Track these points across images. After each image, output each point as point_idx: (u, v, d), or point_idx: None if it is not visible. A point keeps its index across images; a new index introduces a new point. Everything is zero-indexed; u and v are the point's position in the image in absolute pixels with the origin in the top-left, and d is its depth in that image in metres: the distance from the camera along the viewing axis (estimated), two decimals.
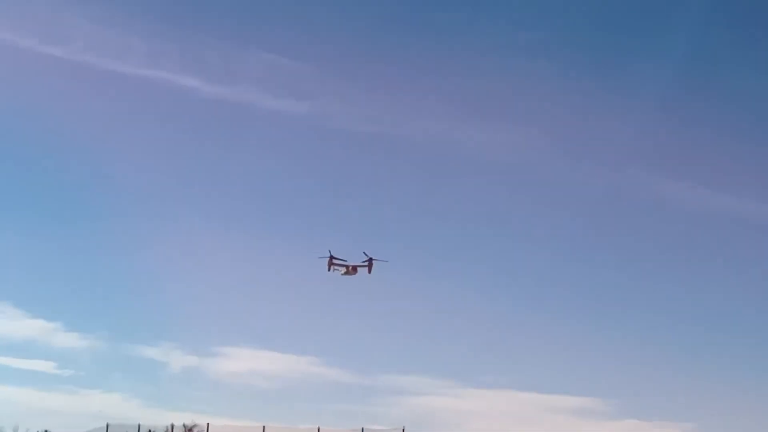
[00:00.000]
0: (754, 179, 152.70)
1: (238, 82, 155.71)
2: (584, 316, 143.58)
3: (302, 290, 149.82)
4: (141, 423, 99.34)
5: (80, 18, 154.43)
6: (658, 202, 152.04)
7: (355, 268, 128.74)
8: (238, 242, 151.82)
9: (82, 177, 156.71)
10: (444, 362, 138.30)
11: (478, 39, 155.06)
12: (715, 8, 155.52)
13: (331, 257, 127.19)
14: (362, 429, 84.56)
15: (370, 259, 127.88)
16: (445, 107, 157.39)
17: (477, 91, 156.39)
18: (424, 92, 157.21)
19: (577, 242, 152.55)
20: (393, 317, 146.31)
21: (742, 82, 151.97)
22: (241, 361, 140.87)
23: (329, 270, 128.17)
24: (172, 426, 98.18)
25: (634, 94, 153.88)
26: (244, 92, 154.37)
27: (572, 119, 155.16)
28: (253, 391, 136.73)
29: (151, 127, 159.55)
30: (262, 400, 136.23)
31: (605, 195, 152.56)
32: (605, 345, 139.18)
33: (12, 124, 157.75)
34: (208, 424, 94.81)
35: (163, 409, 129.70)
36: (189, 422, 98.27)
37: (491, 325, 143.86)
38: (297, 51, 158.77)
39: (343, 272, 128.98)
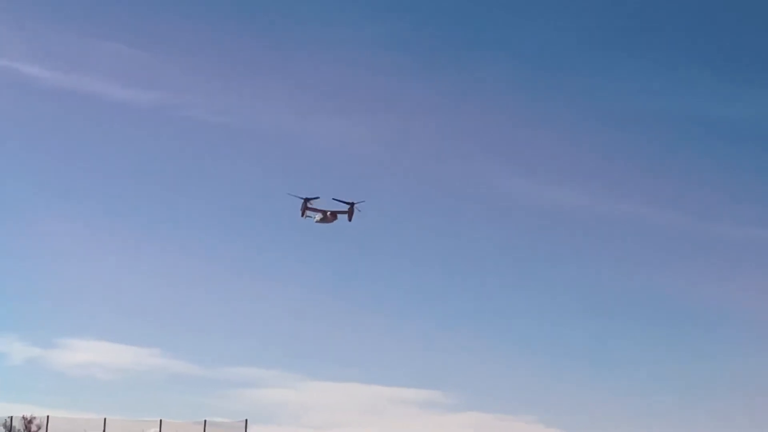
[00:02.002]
0: (597, 176, 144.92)
1: (84, 71, 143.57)
2: (427, 310, 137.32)
3: (146, 281, 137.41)
4: None
5: None
6: (503, 197, 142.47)
7: (334, 214, 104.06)
8: (82, 233, 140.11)
9: None
10: (288, 354, 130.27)
11: (331, 30, 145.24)
12: (564, 7, 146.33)
13: (306, 201, 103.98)
14: (205, 421, 77.17)
15: (351, 204, 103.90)
16: (295, 99, 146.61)
17: (329, 83, 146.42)
18: (275, 83, 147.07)
19: (421, 236, 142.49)
20: (237, 309, 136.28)
21: (587, 80, 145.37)
22: (84, 353, 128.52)
23: (302, 216, 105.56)
24: (11, 418, 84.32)
25: (482, 88, 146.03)
26: (90, 82, 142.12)
27: (421, 113, 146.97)
28: (95, 383, 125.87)
29: None
30: (104, 392, 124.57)
31: (451, 189, 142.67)
32: (448, 338, 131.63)
33: None
34: (48, 416, 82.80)
35: (2, 401, 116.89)
36: (28, 415, 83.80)
37: (335, 317, 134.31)
38: (144, 40, 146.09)
39: (318, 219, 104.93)
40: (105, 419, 79.80)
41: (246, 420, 75.28)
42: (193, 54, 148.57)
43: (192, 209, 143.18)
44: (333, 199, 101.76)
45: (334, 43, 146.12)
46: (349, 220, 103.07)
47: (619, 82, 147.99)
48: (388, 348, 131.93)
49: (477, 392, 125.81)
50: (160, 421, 77.96)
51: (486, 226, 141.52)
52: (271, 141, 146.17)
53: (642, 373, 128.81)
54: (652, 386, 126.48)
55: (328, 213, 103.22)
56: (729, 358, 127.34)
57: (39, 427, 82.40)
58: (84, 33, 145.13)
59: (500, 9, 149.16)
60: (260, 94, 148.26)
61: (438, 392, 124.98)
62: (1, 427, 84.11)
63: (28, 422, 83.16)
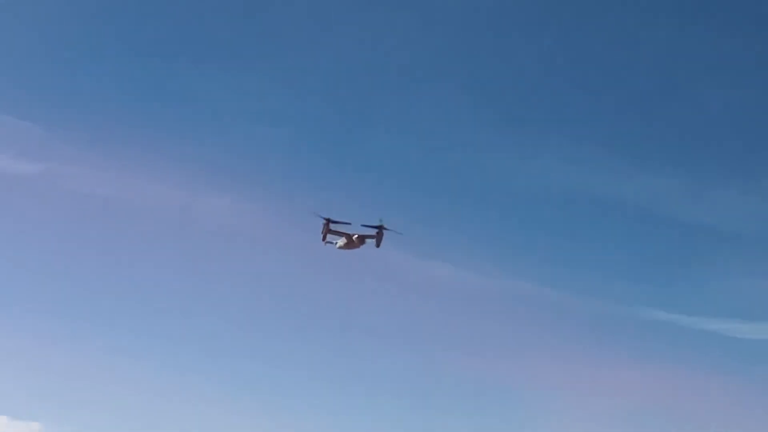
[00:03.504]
0: (488, 252, 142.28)
1: None
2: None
3: (23, 352, 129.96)
4: None
5: None
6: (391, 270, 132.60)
7: (361, 239, 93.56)
8: None
9: None
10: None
11: (217, 106, 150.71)
12: (456, 85, 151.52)
13: (328, 222, 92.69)
14: None
15: (380, 228, 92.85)
16: (183, 174, 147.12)
17: (216, 159, 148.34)
18: (164, 158, 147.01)
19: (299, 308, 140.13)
20: (116, 383, 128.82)
21: (480, 158, 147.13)
22: None
23: (324, 241, 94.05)
24: None
25: (372, 164, 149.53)
26: None
27: (312, 188, 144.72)
28: None
29: None
30: None
31: (337, 262, 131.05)
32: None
33: None
34: None
35: None
36: None
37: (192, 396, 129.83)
38: (31, 112, 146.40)
39: (341, 244, 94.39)
40: None
41: None
42: (82, 127, 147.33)
43: (74, 281, 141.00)
44: (362, 225, 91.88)
45: (221, 118, 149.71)
46: (377, 245, 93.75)
47: (511, 161, 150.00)
48: None
49: None
50: None
51: (374, 299, 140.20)
52: (159, 215, 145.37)
53: None
54: None
55: (355, 237, 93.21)
56: None
57: None
58: None
59: (393, 86, 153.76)
60: (149, 169, 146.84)
61: None
62: None
63: None
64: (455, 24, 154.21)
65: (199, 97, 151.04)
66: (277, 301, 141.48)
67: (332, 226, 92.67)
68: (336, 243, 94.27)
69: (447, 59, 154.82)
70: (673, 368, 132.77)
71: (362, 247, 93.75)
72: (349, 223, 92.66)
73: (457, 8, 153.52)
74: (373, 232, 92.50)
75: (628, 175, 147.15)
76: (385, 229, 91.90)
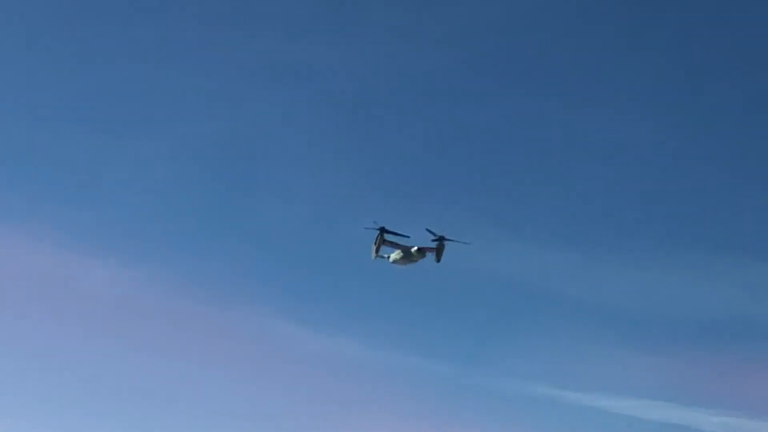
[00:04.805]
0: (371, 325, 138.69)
1: None
2: None
3: None
4: None
5: None
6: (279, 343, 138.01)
7: (421, 251, 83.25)
8: None
9: None
10: None
11: (107, 172, 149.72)
12: (340, 154, 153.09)
13: (382, 233, 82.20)
14: None
15: (441, 240, 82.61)
16: (65, 239, 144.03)
17: (96, 226, 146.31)
18: (41, 222, 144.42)
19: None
20: None
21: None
22: None
23: (376, 255, 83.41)
24: None
25: (262, 233, 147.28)
26: None
27: (203, 260, 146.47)
28: None
29: None
30: None
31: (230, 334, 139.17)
32: None
33: None
34: None
35: None
36: None
37: None
38: None
39: (396, 258, 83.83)
40: None
41: None
42: None
43: None
44: (426, 229, 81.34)
45: (110, 184, 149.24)
46: (437, 260, 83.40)
47: None
48: None
49: None
50: None
51: (265, 372, 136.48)
52: (38, 281, 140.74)
53: None
54: None
55: (413, 249, 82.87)
56: None
57: None
58: None
59: (279, 155, 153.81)
60: (26, 234, 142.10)
61: None
62: None
63: None
64: (345, 98, 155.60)
65: (81, 163, 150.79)
66: (161, 370, 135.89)
67: (387, 237, 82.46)
68: (389, 257, 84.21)
69: (335, 132, 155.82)
70: None
71: (421, 261, 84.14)
72: (408, 237, 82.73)
73: (348, 84, 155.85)
74: (434, 244, 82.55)
75: (514, 250, 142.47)
76: (448, 240, 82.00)
